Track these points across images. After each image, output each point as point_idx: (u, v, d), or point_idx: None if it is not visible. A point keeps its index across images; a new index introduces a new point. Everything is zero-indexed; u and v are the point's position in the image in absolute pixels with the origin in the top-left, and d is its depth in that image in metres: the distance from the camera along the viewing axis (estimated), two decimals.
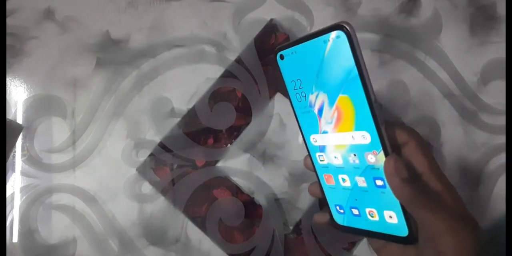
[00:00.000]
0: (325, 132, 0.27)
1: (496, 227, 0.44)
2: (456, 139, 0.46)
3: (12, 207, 0.46)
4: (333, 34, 0.24)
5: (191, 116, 0.47)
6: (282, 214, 0.45)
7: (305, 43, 0.26)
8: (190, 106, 0.47)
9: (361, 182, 0.27)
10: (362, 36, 0.47)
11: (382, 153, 0.25)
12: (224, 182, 0.46)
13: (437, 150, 0.46)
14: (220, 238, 0.45)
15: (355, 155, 0.26)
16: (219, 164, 0.46)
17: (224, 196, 0.45)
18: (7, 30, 0.48)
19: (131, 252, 0.45)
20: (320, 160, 0.29)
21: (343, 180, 0.28)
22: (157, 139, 0.46)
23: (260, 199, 0.45)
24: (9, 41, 0.48)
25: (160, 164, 0.46)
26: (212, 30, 0.48)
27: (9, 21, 0.48)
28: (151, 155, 0.46)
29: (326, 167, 0.29)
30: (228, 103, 0.47)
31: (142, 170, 0.46)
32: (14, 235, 0.45)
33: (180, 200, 0.46)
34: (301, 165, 0.45)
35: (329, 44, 0.24)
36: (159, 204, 0.46)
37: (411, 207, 0.25)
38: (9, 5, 0.48)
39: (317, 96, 0.27)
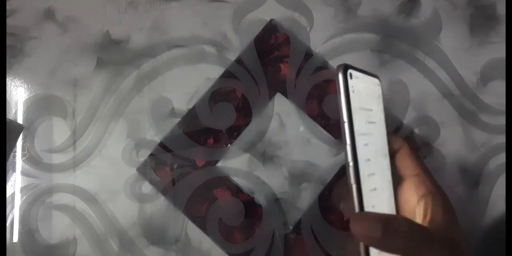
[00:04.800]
0: None
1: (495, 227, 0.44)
2: (456, 139, 0.46)
3: (12, 207, 0.46)
4: None
5: (191, 116, 0.47)
6: (282, 214, 0.45)
7: None
8: (190, 106, 0.47)
9: None
10: (362, 36, 0.47)
11: None
12: (224, 182, 0.46)
13: (437, 150, 0.46)
14: (220, 238, 0.45)
15: None
16: (219, 164, 0.46)
17: (224, 196, 0.46)
18: (7, 30, 0.48)
19: (131, 252, 0.45)
20: None
21: None
22: (157, 139, 0.46)
23: (260, 199, 0.46)
24: (9, 41, 0.48)
25: (160, 164, 0.46)
26: (212, 30, 0.48)
27: (9, 21, 0.48)
28: (151, 155, 0.46)
29: None
30: (228, 103, 0.47)
31: (142, 170, 0.46)
32: (14, 235, 0.46)
33: (180, 200, 0.46)
34: (301, 165, 0.46)
35: None
36: (159, 204, 0.46)
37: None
38: (9, 5, 0.48)
39: None
